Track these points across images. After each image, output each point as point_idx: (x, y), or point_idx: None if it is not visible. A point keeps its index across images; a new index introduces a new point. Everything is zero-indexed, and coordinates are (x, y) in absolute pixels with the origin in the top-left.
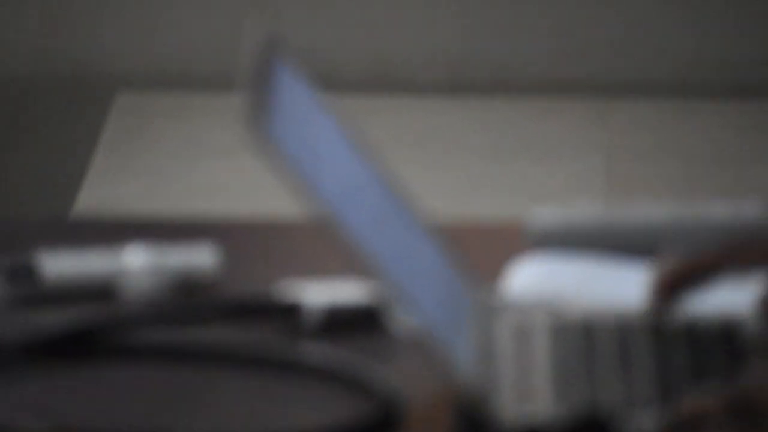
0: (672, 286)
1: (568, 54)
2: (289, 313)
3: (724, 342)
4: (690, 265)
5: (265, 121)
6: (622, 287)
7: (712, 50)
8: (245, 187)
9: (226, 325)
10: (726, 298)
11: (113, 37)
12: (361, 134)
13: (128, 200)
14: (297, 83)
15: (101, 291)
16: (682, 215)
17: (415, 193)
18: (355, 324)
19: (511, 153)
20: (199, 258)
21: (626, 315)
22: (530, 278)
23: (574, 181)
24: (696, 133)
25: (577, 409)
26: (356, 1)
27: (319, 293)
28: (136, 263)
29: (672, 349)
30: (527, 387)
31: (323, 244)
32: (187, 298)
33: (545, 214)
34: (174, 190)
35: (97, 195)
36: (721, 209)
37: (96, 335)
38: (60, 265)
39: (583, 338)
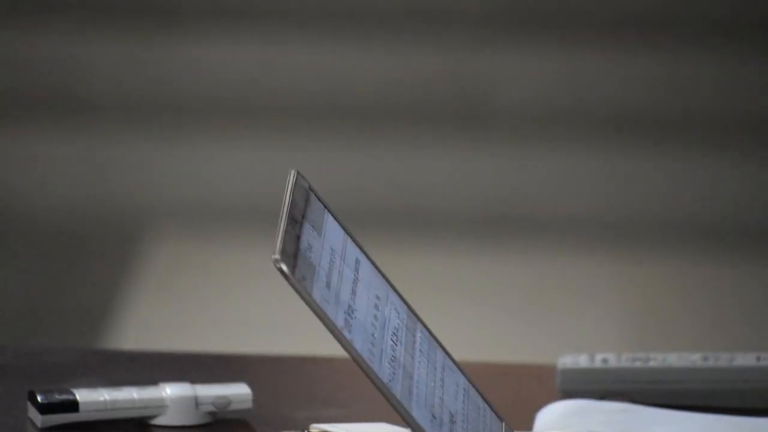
0: None
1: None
2: None
3: None
4: None
5: (300, 265)
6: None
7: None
8: (278, 326)
9: None
10: None
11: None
12: (389, 279)
13: (164, 336)
14: (331, 227)
15: (137, 424)
16: (706, 363)
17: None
18: None
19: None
20: (234, 393)
21: None
22: (558, 418)
23: (593, 331)
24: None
25: None
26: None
27: None
28: (172, 397)
29: None
30: None
31: (355, 384)
32: None
33: (572, 361)
34: (209, 326)
35: (134, 332)
36: (745, 358)
37: None
38: (97, 397)
39: None
